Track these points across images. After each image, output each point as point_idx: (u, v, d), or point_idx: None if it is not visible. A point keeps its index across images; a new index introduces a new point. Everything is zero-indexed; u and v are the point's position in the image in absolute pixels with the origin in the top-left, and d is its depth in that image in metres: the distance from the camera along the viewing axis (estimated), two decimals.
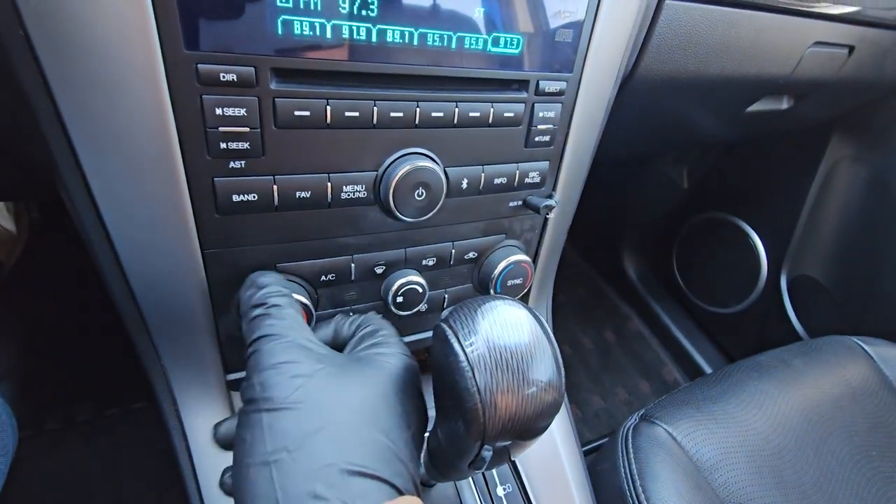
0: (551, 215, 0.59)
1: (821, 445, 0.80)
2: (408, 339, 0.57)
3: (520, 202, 0.55)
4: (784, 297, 1.46)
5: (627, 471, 0.70)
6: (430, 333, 0.59)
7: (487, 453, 0.38)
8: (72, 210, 0.41)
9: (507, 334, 0.36)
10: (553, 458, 0.60)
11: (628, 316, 1.83)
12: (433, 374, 0.41)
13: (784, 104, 0.98)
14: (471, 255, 0.55)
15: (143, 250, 0.41)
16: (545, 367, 0.36)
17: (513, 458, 0.41)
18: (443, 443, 0.42)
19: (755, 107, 0.93)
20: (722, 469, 0.73)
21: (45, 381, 0.90)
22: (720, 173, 1.61)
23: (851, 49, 0.86)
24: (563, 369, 0.38)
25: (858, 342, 1.00)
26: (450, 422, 0.39)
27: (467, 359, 0.35)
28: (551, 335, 0.38)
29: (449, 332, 0.36)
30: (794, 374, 0.92)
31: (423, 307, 0.54)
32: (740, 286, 1.56)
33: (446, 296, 0.56)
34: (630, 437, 0.74)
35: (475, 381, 0.34)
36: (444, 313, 0.41)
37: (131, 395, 1.17)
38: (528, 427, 0.37)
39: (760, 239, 1.51)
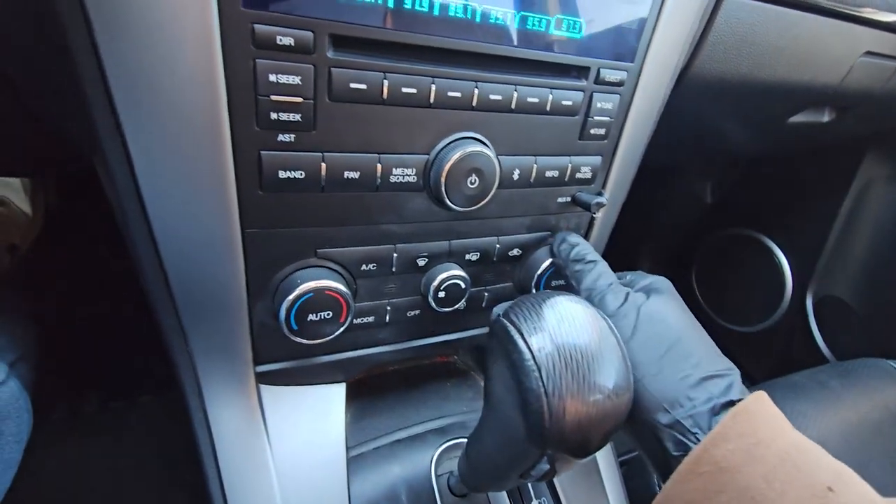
0: (599, 214, 0.56)
1: (862, 471, 0.76)
2: (444, 338, 0.54)
3: (568, 198, 0.52)
4: (810, 318, 1.42)
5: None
6: (467, 332, 0.56)
7: (544, 465, 0.35)
8: (106, 179, 0.39)
9: (575, 333, 0.33)
10: (590, 470, 0.56)
11: None
12: (486, 373, 0.38)
13: (825, 117, 0.95)
14: (515, 252, 0.52)
15: (180, 225, 0.38)
16: (614, 370, 0.33)
17: (557, 474, 0.37)
18: (490, 448, 0.39)
19: (797, 118, 0.90)
20: None
21: (53, 371, 0.88)
22: (746, 189, 1.58)
23: None
24: (632, 374, 0.35)
25: (894, 366, 0.96)
26: (505, 426, 0.35)
27: (534, 357, 0.32)
28: (619, 336, 0.35)
29: (511, 327, 0.33)
30: (832, 396, 0.88)
31: (461, 305, 0.51)
32: (763, 305, 1.52)
33: (486, 294, 0.53)
34: None
35: (542, 381, 0.31)
36: (498, 308, 0.38)
37: (138, 389, 1.14)
38: (591, 438, 0.33)
39: (786, 257, 1.47)
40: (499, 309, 0.38)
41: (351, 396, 0.55)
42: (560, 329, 0.33)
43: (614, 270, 0.48)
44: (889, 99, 0.93)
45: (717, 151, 1.13)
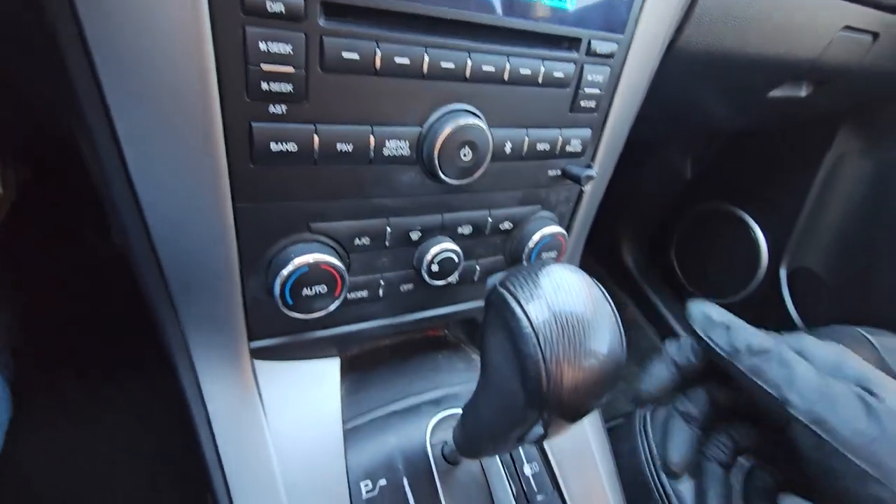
0: (587, 187, 0.57)
1: None
2: (437, 311, 0.55)
3: (558, 172, 0.53)
4: (783, 289, 1.47)
5: (648, 454, 0.68)
6: (460, 306, 0.57)
7: (539, 428, 0.36)
8: (90, 156, 0.37)
9: (571, 301, 0.34)
10: (579, 436, 0.58)
11: (625, 304, 1.83)
12: (482, 345, 0.38)
13: (803, 91, 0.97)
14: (506, 225, 0.52)
15: (169, 201, 0.37)
16: (608, 336, 0.34)
17: (548, 438, 0.38)
18: (487, 417, 0.40)
19: (776, 92, 0.92)
20: None
21: (32, 354, 0.86)
22: (725, 164, 1.61)
23: (876, 36, 0.86)
24: (625, 341, 0.36)
25: (863, 332, 1.01)
26: (502, 394, 0.36)
27: (531, 324, 0.32)
28: (612, 304, 0.36)
29: (509, 296, 0.34)
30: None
31: (454, 279, 0.51)
32: (739, 277, 1.57)
33: (478, 267, 0.54)
34: (649, 419, 0.73)
35: (540, 347, 0.32)
36: (493, 279, 0.38)
37: (123, 371, 1.13)
38: (586, 401, 0.34)
39: (762, 230, 1.51)
40: (494, 279, 0.38)
41: (345, 371, 0.55)
42: (556, 297, 0.34)
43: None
44: (864, 73, 0.95)
45: (699, 126, 1.14)
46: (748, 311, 1.58)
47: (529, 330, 0.32)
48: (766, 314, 1.51)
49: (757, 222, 1.52)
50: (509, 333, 0.33)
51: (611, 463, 0.59)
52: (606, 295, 0.36)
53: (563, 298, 0.33)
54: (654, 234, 1.81)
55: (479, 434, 0.42)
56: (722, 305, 1.71)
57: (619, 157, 0.61)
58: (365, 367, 0.59)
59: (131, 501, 0.98)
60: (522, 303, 0.33)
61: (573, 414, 0.35)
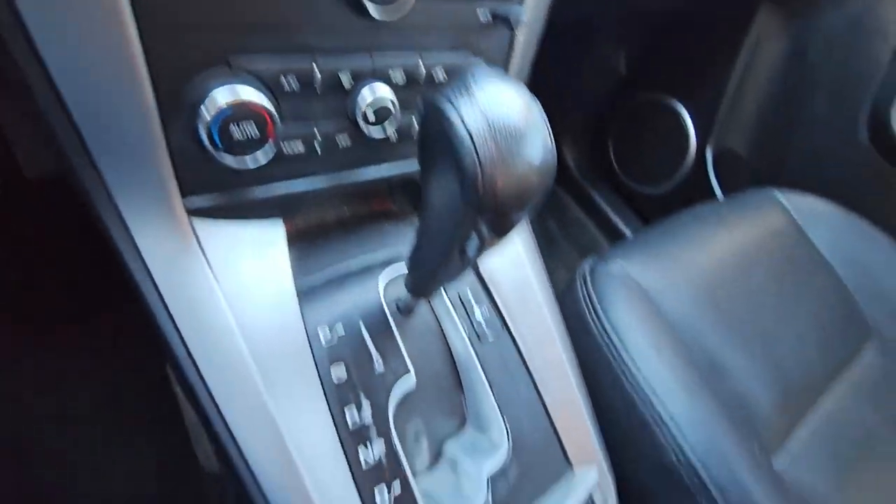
0: (520, 36, 0.56)
1: (749, 277, 0.90)
2: (378, 169, 0.55)
3: (489, 17, 0.52)
4: (709, 172, 1.56)
5: (588, 299, 0.74)
6: (401, 164, 0.57)
7: (476, 240, 0.38)
8: None
9: (504, 109, 0.34)
10: (524, 282, 0.62)
11: (568, 204, 1.90)
12: (420, 160, 0.39)
13: None
14: (440, 74, 0.52)
15: (69, 42, 0.34)
16: (541, 146, 0.36)
17: (486, 249, 0.40)
18: (424, 246, 0.42)
19: None
20: (668, 297, 0.80)
21: None
22: (656, 55, 1.63)
23: None
24: (555, 151, 0.37)
25: (777, 194, 1.10)
26: (441, 211, 0.38)
27: (465, 125, 0.33)
28: (545, 116, 0.37)
29: (443, 100, 0.34)
30: (725, 221, 1.01)
31: (392, 133, 0.51)
32: (670, 165, 1.65)
33: (415, 122, 0.53)
34: (588, 273, 0.78)
35: (475, 147, 0.33)
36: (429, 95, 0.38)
37: (57, 318, 1.05)
38: (518, 205, 0.36)
39: (690, 117, 1.58)
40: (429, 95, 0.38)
41: (292, 240, 0.55)
42: (490, 106, 0.34)
43: None
44: None
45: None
46: (680, 196, 1.69)
47: (464, 131, 0.33)
48: (695, 198, 1.61)
49: (686, 109, 1.58)
50: (444, 137, 0.34)
51: (554, 305, 0.64)
52: (540, 108, 0.37)
53: (496, 108, 0.34)
54: (593, 131, 1.85)
55: (425, 263, 0.44)
56: (656, 195, 1.82)
57: (553, 50, 0.60)
58: (312, 237, 0.59)
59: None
60: (458, 108, 0.34)
61: (505, 220, 0.37)
